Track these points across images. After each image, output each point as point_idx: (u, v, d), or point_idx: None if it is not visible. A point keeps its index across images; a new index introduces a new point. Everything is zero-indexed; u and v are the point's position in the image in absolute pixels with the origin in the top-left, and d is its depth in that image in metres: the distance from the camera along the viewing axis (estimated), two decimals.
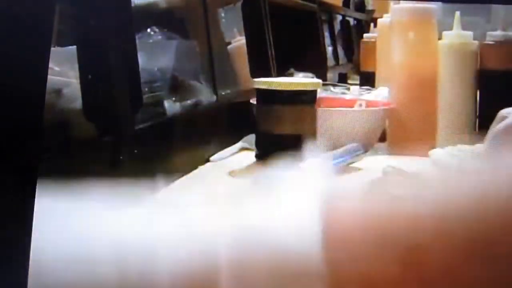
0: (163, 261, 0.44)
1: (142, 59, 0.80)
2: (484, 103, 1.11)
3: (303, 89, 0.96)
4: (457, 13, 1.10)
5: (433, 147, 1.02)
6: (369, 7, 2.98)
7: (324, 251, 0.43)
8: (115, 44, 0.70)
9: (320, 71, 1.72)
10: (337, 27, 2.35)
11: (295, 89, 0.96)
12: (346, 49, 2.42)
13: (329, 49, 2.13)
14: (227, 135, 1.07)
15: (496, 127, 0.76)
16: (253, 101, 1.00)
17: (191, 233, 0.45)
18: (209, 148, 0.99)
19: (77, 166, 0.64)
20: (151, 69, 0.92)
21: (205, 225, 0.46)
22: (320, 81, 1.02)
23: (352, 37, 2.50)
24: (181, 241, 0.45)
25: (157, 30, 0.98)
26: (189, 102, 0.99)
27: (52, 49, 0.52)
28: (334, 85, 1.53)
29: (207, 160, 0.97)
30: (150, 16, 0.99)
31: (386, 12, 1.54)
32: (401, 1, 1.17)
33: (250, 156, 0.98)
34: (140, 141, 0.76)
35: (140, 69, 0.77)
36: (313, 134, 0.96)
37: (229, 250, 0.44)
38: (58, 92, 0.67)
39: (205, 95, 1.05)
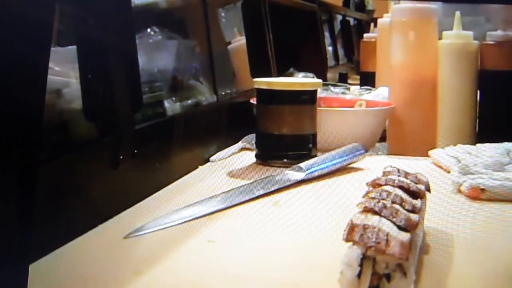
0: None
1: (142, 59, 0.80)
2: (484, 103, 1.10)
3: (303, 89, 0.96)
4: (457, 13, 1.10)
5: (433, 147, 1.02)
6: (369, 7, 2.99)
7: None
8: (115, 44, 0.70)
9: (320, 71, 1.72)
10: (337, 27, 2.36)
11: (295, 89, 0.96)
12: (346, 49, 2.42)
13: (329, 49, 2.13)
14: (227, 135, 1.07)
15: None
16: (253, 101, 1.00)
17: None
18: (209, 148, 0.99)
19: (77, 166, 0.64)
20: (151, 69, 0.92)
21: None
22: (320, 81, 1.02)
23: (352, 37, 2.50)
24: None
25: (157, 30, 0.98)
26: (189, 102, 0.99)
27: (52, 49, 0.52)
28: (334, 85, 1.53)
29: (207, 160, 0.97)
30: (150, 16, 0.99)
31: (386, 12, 1.54)
32: (401, 1, 1.17)
33: (250, 156, 0.98)
34: (140, 141, 0.76)
35: (140, 69, 0.77)
36: (313, 134, 0.96)
37: None
38: (58, 92, 0.67)
39: (205, 95, 1.05)
